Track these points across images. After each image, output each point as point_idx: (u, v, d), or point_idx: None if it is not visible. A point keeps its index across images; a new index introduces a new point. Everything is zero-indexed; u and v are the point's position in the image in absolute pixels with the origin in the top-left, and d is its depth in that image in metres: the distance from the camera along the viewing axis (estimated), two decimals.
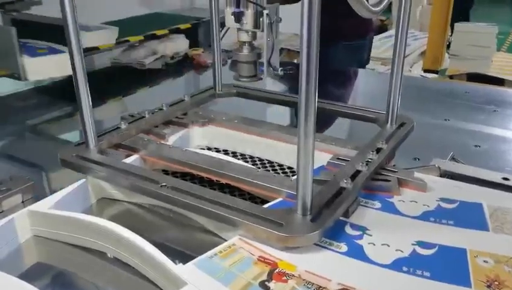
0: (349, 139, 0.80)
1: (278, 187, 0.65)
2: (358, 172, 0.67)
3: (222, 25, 0.83)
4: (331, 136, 0.80)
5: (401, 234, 0.58)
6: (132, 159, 0.75)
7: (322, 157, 0.76)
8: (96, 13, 1.47)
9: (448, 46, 2.71)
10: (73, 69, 0.69)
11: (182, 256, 0.55)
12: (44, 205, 0.63)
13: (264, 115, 0.97)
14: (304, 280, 0.50)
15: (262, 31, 0.67)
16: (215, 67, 0.95)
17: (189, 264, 0.51)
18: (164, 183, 0.64)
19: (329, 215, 0.58)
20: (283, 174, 0.76)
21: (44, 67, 1.05)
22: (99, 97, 1.00)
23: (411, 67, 2.90)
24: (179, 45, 1.51)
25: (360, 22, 1.71)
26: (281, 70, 0.71)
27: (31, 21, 1.15)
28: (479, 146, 0.88)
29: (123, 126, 0.81)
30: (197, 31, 1.59)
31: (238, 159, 0.81)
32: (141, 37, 1.40)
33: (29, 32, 1.13)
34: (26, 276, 0.54)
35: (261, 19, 0.67)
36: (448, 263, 0.53)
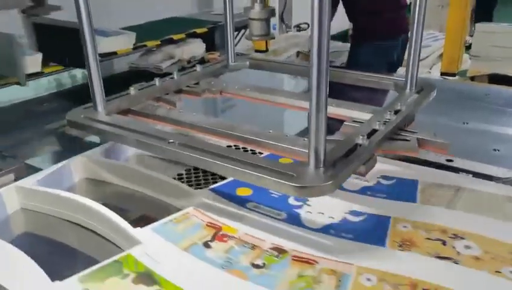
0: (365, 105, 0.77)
1: (290, 146, 0.62)
2: (374, 131, 0.65)
3: (237, 29, 0.81)
4: (348, 102, 0.77)
5: (337, 205, 0.65)
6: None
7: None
8: (115, 19, 1.49)
9: (469, 47, 2.65)
10: (84, 42, 0.68)
11: (147, 223, 0.61)
12: (29, 182, 0.69)
13: (278, 85, 0.95)
14: (242, 240, 0.57)
15: None
16: (228, 36, 0.92)
17: (146, 227, 0.58)
18: (172, 140, 0.62)
19: (342, 168, 0.56)
20: None
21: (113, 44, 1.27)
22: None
23: (430, 68, 2.84)
24: (195, 48, 1.50)
25: (392, 22, 1.69)
26: (294, 27, 0.68)
27: (51, 25, 1.16)
28: (498, 150, 0.84)
29: (132, 92, 0.79)
30: (214, 35, 1.59)
31: None
32: (158, 42, 1.40)
33: (48, 35, 1.16)
34: (13, 242, 0.58)
35: None
36: (372, 228, 0.60)
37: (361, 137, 0.61)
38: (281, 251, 0.56)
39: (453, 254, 0.54)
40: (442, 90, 1.20)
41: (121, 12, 1.55)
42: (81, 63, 0.80)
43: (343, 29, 1.89)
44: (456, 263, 0.52)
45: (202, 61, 1.49)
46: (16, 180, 0.71)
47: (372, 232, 0.59)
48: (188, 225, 0.59)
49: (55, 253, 0.60)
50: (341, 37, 2.02)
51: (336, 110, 0.75)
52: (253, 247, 0.56)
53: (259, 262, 0.54)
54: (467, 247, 0.55)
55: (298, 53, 2.04)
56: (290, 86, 0.95)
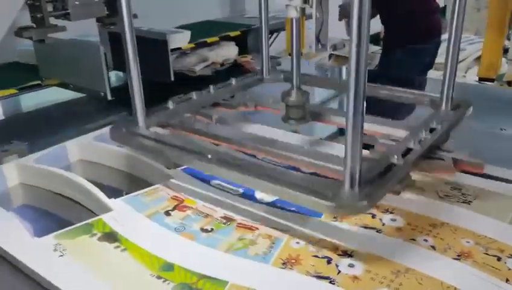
0: (399, 121, 0.76)
1: (325, 163, 0.63)
2: (409, 150, 0.64)
3: (271, 32, 0.81)
4: (383, 118, 0.77)
5: None
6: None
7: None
8: (150, 22, 1.52)
9: (506, 52, 2.54)
10: (129, 76, 0.70)
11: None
12: (28, 160, 0.77)
13: (312, 100, 0.95)
14: (198, 210, 0.64)
15: (311, 6, 0.64)
16: (263, 50, 0.93)
17: (119, 198, 0.66)
18: (210, 156, 0.64)
19: (377, 187, 0.56)
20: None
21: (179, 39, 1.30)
22: (152, 102, 1.03)
23: (465, 72, 2.73)
24: (228, 52, 1.51)
25: (425, 25, 1.65)
26: (330, 47, 0.68)
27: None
28: None
29: (171, 106, 0.82)
30: (247, 38, 1.58)
31: None
32: (193, 45, 1.42)
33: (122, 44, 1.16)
34: (10, 210, 0.67)
35: None
36: None
37: (396, 157, 0.61)
38: (229, 219, 0.62)
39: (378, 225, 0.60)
40: (478, 95, 1.17)
41: (156, 16, 1.58)
42: (151, 73, 0.86)
43: (376, 31, 1.86)
44: (379, 232, 0.59)
45: (235, 64, 1.50)
46: None
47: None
48: (154, 197, 0.67)
49: (42, 219, 0.68)
50: (373, 39, 1.99)
51: (370, 126, 0.75)
52: (206, 216, 0.63)
53: (208, 227, 0.61)
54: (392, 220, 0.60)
55: (331, 55, 2.01)
56: (324, 99, 0.95)
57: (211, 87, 0.89)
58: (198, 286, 0.51)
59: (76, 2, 0.99)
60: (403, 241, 0.57)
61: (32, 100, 1.15)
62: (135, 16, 1.14)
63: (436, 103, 0.80)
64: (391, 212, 0.62)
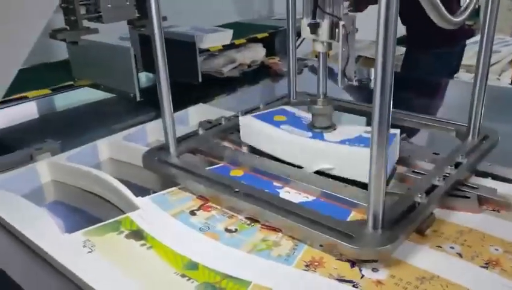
0: (424, 151, 0.76)
1: (349, 198, 0.64)
2: (434, 187, 0.64)
3: (298, 34, 0.83)
4: (405, 147, 0.77)
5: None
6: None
7: (396, 169, 0.74)
8: (180, 23, 1.54)
9: None
10: (158, 80, 0.71)
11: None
12: (60, 158, 0.80)
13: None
14: (222, 211, 0.65)
15: (338, 41, 0.66)
16: (290, 75, 0.94)
17: (146, 197, 0.68)
18: (237, 189, 0.66)
19: (401, 230, 0.56)
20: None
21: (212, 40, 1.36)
22: (180, 103, 1.05)
23: (499, 75, 2.69)
24: (256, 53, 1.52)
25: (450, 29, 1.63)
26: (356, 80, 0.70)
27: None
28: None
29: (200, 132, 0.84)
30: (274, 40, 1.60)
31: None
32: (220, 46, 1.44)
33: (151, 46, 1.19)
34: (42, 206, 0.71)
35: (336, 30, 0.66)
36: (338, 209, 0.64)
37: (419, 195, 0.60)
38: (253, 220, 0.63)
39: None
40: (510, 98, 1.16)
41: (186, 17, 1.61)
42: (182, 74, 0.91)
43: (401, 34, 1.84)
44: None
45: (262, 65, 1.52)
46: None
47: (337, 210, 0.63)
48: (180, 197, 0.69)
49: (72, 216, 0.71)
50: (398, 41, 1.96)
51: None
52: (231, 216, 0.64)
53: (232, 227, 0.62)
54: None
55: (359, 57, 1.94)
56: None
57: (239, 112, 0.91)
58: (222, 285, 0.52)
59: (109, 5, 1.03)
60: (429, 248, 0.56)
61: (65, 100, 1.19)
62: (164, 19, 1.18)
63: (462, 133, 0.78)
64: None
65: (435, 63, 1.64)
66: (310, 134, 0.75)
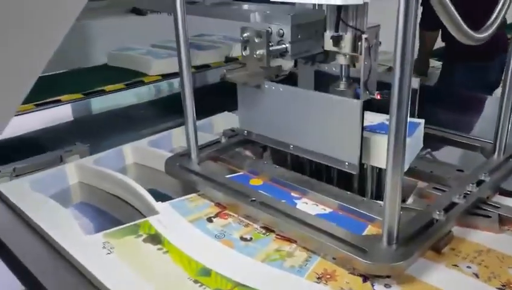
0: (448, 168, 0.74)
1: (366, 212, 0.64)
2: (454, 204, 0.62)
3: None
4: (428, 163, 0.76)
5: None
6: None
7: (417, 185, 0.73)
8: (211, 32, 1.57)
9: None
10: (182, 86, 0.73)
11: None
12: (87, 161, 0.83)
13: None
14: (239, 219, 0.66)
15: (361, 54, 0.66)
16: None
17: (166, 202, 0.70)
18: (254, 199, 0.66)
19: (416, 246, 0.54)
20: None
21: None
22: (208, 110, 1.07)
23: None
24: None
25: (489, 40, 1.58)
26: (377, 94, 0.70)
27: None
28: None
29: (223, 141, 0.85)
30: None
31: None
32: None
33: None
34: (68, 206, 0.74)
35: (359, 43, 0.66)
36: (354, 222, 0.63)
37: (438, 212, 0.59)
38: (268, 230, 0.63)
39: None
40: None
41: (215, 27, 1.63)
42: None
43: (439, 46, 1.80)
44: None
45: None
46: None
47: (354, 224, 0.62)
48: (199, 203, 0.70)
49: (96, 217, 0.73)
50: (435, 54, 1.92)
51: (416, 171, 0.74)
52: (247, 225, 0.65)
53: (247, 236, 0.62)
54: None
55: (390, 68, 1.92)
56: None
57: None
58: None
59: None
60: (445, 267, 0.55)
61: (99, 104, 1.21)
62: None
63: (488, 150, 0.76)
64: None
65: (471, 78, 1.60)
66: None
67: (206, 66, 1.36)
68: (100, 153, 0.86)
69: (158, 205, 0.69)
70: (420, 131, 0.70)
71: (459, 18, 0.48)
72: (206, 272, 0.56)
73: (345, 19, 0.66)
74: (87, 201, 0.80)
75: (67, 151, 0.87)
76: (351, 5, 0.66)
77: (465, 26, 0.50)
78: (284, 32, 0.70)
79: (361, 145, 0.65)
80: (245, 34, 0.72)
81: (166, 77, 1.26)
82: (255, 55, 0.71)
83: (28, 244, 0.64)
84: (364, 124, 0.66)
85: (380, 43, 0.67)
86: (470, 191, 0.65)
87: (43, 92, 1.07)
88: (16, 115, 1.03)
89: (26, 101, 1.04)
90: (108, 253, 0.59)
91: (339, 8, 0.67)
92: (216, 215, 0.67)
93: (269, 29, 0.69)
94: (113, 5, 1.79)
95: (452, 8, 0.46)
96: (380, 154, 0.62)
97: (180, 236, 0.63)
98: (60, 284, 0.57)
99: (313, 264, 0.57)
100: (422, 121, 0.70)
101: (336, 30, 0.67)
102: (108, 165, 0.82)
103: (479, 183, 0.67)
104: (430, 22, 1.49)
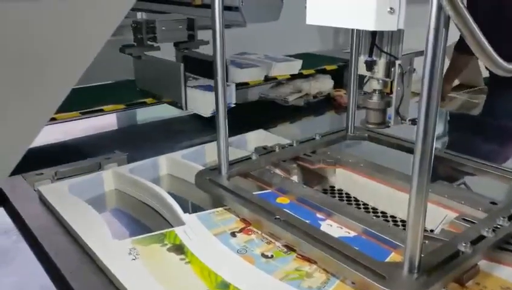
0: (481, 199, 0.72)
1: (391, 239, 0.63)
2: (482, 237, 0.61)
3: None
4: (461, 194, 0.75)
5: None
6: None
7: (447, 215, 0.72)
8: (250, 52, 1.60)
9: None
10: (217, 102, 0.75)
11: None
12: (124, 169, 0.86)
13: (395, 163, 0.94)
14: (262, 236, 0.67)
15: (393, 80, 0.66)
16: (350, 109, 0.94)
17: (193, 214, 0.71)
18: (278, 217, 0.67)
19: (438, 277, 0.53)
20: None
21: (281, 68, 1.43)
22: (244, 126, 1.09)
23: None
24: (323, 84, 1.52)
25: None
26: (409, 120, 0.69)
27: (198, 58, 1.29)
28: None
29: (254, 157, 0.86)
30: (343, 73, 1.59)
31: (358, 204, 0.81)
32: (288, 76, 1.48)
33: (196, 67, 1.29)
34: (101, 211, 0.76)
35: (392, 69, 0.66)
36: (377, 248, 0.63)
37: (464, 244, 0.58)
38: (290, 249, 0.63)
39: None
40: None
41: (256, 47, 1.66)
42: None
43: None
44: None
45: (328, 97, 1.53)
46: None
47: (377, 250, 0.62)
48: (225, 217, 0.71)
49: (128, 223, 0.77)
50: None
51: (445, 201, 0.73)
52: (269, 242, 0.65)
53: (268, 253, 0.63)
54: None
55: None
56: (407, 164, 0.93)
57: (294, 141, 0.92)
58: None
59: (163, 28, 1.18)
60: None
61: (141, 115, 1.29)
62: (206, 43, 1.27)
63: None
64: None
65: None
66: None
67: (245, 84, 1.38)
68: (136, 162, 0.89)
69: (185, 216, 0.70)
70: None
71: (488, 46, 0.48)
72: (225, 286, 0.56)
73: (379, 44, 0.67)
74: (120, 207, 0.83)
75: (106, 159, 0.90)
76: (386, 30, 0.66)
77: (495, 55, 0.49)
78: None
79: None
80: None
81: None
82: None
83: (60, 244, 0.67)
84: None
85: (415, 70, 0.67)
86: (501, 225, 0.63)
87: (87, 101, 1.15)
88: (61, 122, 1.10)
89: (72, 109, 1.11)
90: (133, 259, 0.61)
91: (374, 33, 0.67)
92: (240, 231, 0.68)
93: None
94: None
95: (480, 34, 0.46)
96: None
97: (203, 248, 0.64)
98: (85, 284, 0.59)
99: (331, 287, 0.56)
100: None
101: (370, 55, 0.68)
102: (143, 174, 0.85)
103: (511, 217, 0.65)
104: (466, 45, 1.46)
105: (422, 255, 0.53)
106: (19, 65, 0.38)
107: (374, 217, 0.68)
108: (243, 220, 0.71)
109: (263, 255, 0.63)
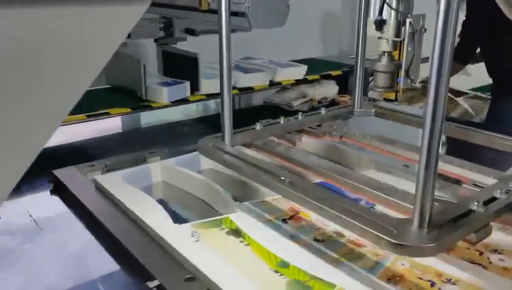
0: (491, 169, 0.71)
1: (398, 201, 0.61)
2: (494, 198, 0.60)
3: (371, 74, 0.81)
4: (472, 163, 0.73)
5: None
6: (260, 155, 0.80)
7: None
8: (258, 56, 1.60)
9: None
10: (222, 83, 0.76)
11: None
12: (170, 162, 0.89)
13: (403, 137, 0.92)
14: (312, 223, 0.68)
15: (403, 40, 0.64)
16: (356, 82, 0.93)
17: (245, 203, 0.73)
18: (283, 178, 0.65)
19: (448, 231, 0.52)
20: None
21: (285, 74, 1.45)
22: None
23: None
24: (328, 90, 1.53)
25: None
26: (419, 82, 0.67)
27: (175, 53, 1.37)
28: None
29: (258, 128, 0.85)
30: (347, 78, 1.58)
31: None
32: (293, 81, 1.47)
33: (172, 61, 1.39)
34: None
35: (403, 28, 0.64)
36: None
37: (476, 203, 0.57)
38: (339, 234, 0.65)
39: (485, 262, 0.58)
40: None
41: (262, 51, 1.65)
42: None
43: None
44: (485, 268, 0.57)
45: (333, 103, 1.51)
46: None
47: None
48: (273, 206, 0.73)
49: (178, 211, 0.78)
50: (484, 90, 1.87)
51: (457, 170, 0.71)
52: (319, 229, 0.67)
53: (320, 238, 0.65)
54: None
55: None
56: (415, 138, 0.91)
57: (299, 114, 0.90)
58: (310, 284, 0.56)
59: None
60: (511, 281, 0.55)
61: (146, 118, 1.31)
62: (184, 39, 1.27)
63: None
64: (500, 253, 0.60)
65: None
66: None
67: (250, 89, 1.38)
68: (179, 156, 0.92)
69: (237, 205, 0.73)
70: None
71: None
72: (285, 265, 0.59)
73: (389, 1, 0.65)
74: (169, 196, 0.85)
75: (150, 153, 0.93)
76: None
77: None
78: None
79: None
80: None
81: (211, 96, 1.32)
82: None
83: (122, 225, 0.70)
84: None
85: (425, 30, 0.65)
86: None
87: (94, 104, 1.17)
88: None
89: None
90: (197, 240, 0.64)
91: None
92: (290, 218, 0.70)
93: None
94: None
95: None
96: None
97: (259, 233, 0.66)
98: (154, 264, 0.61)
99: (382, 267, 0.59)
100: None
101: (380, 14, 0.66)
102: (187, 167, 0.87)
103: None
104: (461, 54, 1.45)
105: (433, 213, 0.52)
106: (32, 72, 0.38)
107: (382, 182, 0.65)
108: (291, 208, 0.73)
109: (315, 239, 0.65)
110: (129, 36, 1.20)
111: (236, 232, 0.66)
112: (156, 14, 1.37)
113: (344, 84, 1.58)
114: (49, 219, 0.76)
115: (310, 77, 1.51)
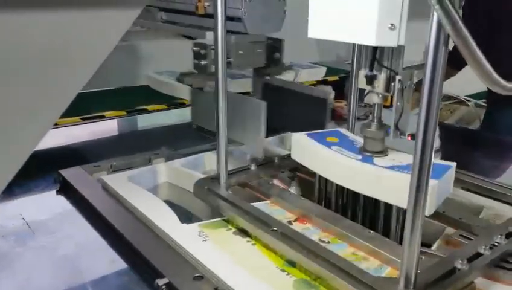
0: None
1: (386, 253, 0.63)
2: (479, 255, 0.61)
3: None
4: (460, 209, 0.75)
5: None
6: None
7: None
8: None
9: None
10: (217, 113, 0.75)
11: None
12: (175, 163, 0.92)
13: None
14: (316, 225, 0.71)
15: (393, 95, 0.66)
16: (350, 121, 0.94)
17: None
18: (275, 228, 0.67)
19: None
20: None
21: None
22: None
23: None
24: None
25: None
26: (408, 135, 0.69)
27: (278, 86, 1.18)
28: None
29: (252, 168, 0.86)
30: (344, 84, 1.56)
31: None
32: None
33: (274, 95, 1.17)
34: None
35: (392, 84, 0.66)
36: None
37: (460, 261, 0.58)
38: (342, 237, 0.67)
39: None
40: None
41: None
42: (297, 128, 0.81)
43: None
44: None
45: None
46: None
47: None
48: (279, 207, 0.76)
49: (184, 211, 0.81)
50: (476, 96, 1.87)
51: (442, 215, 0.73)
52: (324, 230, 0.69)
53: (325, 239, 0.67)
54: None
55: None
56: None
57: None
58: (316, 283, 0.58)
59: (240, 52, 1.06)
60: None
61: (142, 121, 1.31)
62: (291, 68, 1.31)
63: None
64: None
65: None
66: (360, 157, 0.71)
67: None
68: (184, 158, 0.95)
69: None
70: (450, 174, 0.67)
71: (487, 65, 0.48)
72: (292, 264, 0.62)
73: (380, 59, 0.67)
74: (174, 197, 0.88)
75: (155, 154, 0.96)
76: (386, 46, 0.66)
77: (494, 74, 0.49)
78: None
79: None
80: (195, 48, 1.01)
81: None
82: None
83: (129, 224, 0.72)
84: (392, 164, 0.67)
85: (415, 85, 0.67)
86: (498, 243, 0.63)
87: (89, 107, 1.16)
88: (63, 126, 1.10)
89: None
90: (204, 240, 0.67)
91: (375, 48, 0.67)
92: (295, 220, 0.73)
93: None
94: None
95: (479, 52, 0.46)
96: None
97: (266, 233, 0.67)
98: (163, 263, 0.63)
99: (387, 269, 0.61)
100: (453, 164, 0.68)
101: (371, 69, 0.68)
102: (192, 168, 0.91)
103: (509, 235, 0.65)
104: (454, 59, 1.46)
105: (419, 272, 0.53)
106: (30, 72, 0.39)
107: (371, 232, 0.67)
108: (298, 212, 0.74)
109: (320, 240, 0.67)
110: (228, 65, 0.95)
111: (243, 232, 0.69)
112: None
113: (340, 90, 1.58)
114: (42, 222, 0.77)
115: (305, 82, 1.50)
